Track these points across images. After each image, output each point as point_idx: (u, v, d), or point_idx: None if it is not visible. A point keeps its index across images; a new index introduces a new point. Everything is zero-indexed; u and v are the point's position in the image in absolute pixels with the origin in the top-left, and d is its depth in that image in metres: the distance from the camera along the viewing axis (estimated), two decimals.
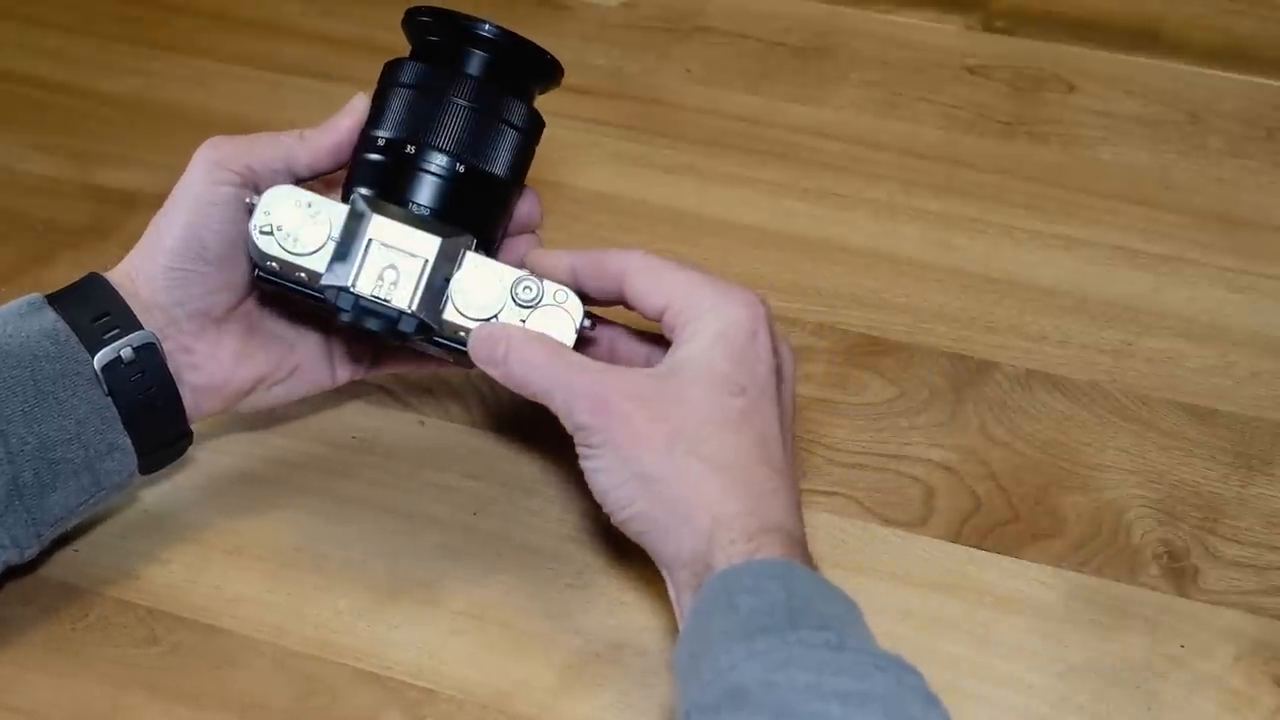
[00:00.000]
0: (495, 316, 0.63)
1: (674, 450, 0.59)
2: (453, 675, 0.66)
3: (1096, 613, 0.68)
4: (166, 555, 0.70)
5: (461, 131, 0.64)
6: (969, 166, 0.91)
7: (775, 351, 0.62)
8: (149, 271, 0.66)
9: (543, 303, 0.63)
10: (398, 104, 0.65)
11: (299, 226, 0.63)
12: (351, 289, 0.62)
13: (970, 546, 0.70)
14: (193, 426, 0.68)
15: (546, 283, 0.64)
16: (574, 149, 0.91)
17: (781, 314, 0.80)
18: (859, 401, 0.77)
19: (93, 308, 0.65)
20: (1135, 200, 0.88)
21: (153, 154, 0.92)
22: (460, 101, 0.64)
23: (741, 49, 1.00)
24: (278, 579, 0.69)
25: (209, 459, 0.74)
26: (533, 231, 0.69)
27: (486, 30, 0.64)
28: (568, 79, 0.68)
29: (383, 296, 0.62)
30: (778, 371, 0.62)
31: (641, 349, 0.67)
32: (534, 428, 0.75)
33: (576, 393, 0.61)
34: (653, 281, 0.62)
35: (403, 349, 0.70)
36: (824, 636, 0.52)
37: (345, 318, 0.63)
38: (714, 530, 0.57)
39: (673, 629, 0.66)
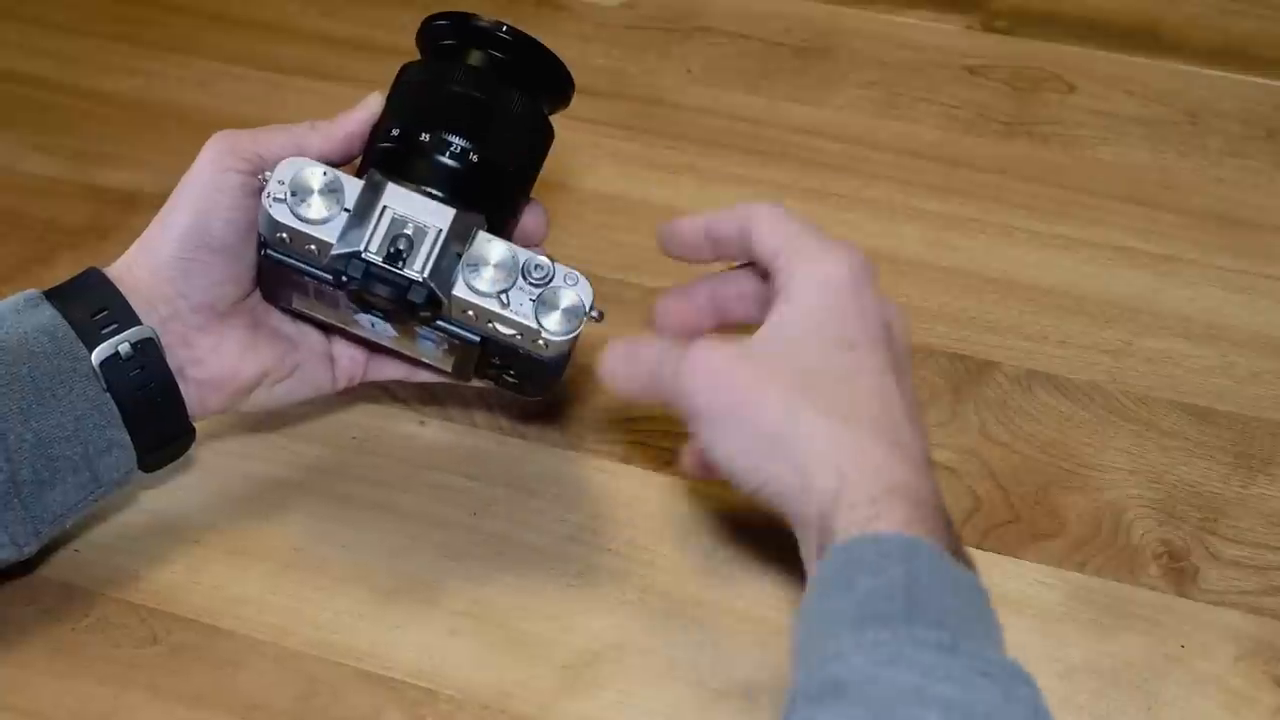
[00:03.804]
0: (505, 293, 0.63)
1: (792, 405, 0.57)
2: (453, 675, 0.66)
3: (1096, 613, 0.68)
4: (167, 555, 0.70)
5: (476, 123, 0.64)
6: (968, 166, 0.91)
7: (883, 306, 0.61)
8: (154, 262, 0.66)
9: (553, 283, 0.63)
10: (413, 97, 0.66)
11: (313, 195, 0.63)
12: (363, 255, 0.62)
13: (970, 546, 0.70)
14: (195, 426, 0.68)
15: (558, 264, 0.64)
16: (574, 149, 0.91)
17: None
18: None
19: (91, 303, 0.65)
20: (1135, 200, 0.88)
21: (153, 154, 0.92)
22: (478, 95, 0.65)
23: (741, 49, 1.00)
24: (278, 579, 0.69)
25: (210, 459, 0.74)
26: (538, 245, 0.69)
27: (505, 31, 0.65)
28: None
29: (394, 265, 0.62)
30: (888, 327, 0.61)
31: (748, 288, 0.65)
32: (534, 428, 0.75)
33: (683, 371, 0.59)
34: (772, 226, 0.62)
35: (400, 355, 0.70)
36: (938, 636, 0.50)
37: (354, 286, 0.63)
38: (840, 490, 0.55)
39: (672, 628, 0.67)
